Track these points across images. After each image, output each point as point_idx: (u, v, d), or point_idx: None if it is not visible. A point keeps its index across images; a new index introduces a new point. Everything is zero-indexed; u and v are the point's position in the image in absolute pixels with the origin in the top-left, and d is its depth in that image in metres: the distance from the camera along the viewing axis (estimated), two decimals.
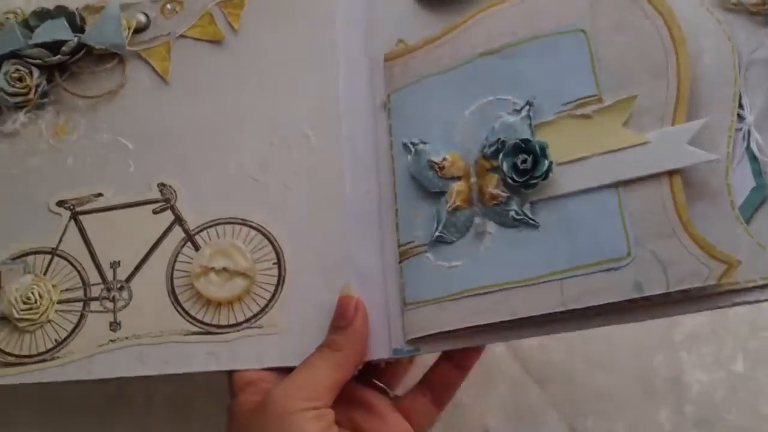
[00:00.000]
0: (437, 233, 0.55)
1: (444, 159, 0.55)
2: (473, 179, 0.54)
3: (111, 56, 0.66)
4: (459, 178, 0.55)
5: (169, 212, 0.61)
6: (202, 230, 0.60)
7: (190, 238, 0.60)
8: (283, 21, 0.65)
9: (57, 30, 0.65)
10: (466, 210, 0.54)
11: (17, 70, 0.65)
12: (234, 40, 0.65)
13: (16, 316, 0.58)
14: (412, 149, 0.57)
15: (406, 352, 0.55)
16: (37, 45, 0.65)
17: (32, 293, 0.59)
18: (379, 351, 0.56)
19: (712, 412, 0.68)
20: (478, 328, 0.52)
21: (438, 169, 0.55)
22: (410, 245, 0.56)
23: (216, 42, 0.65)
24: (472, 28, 0.59)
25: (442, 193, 0.56)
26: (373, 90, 0.62)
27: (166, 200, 0.61)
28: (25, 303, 0.58)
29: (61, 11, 0.66)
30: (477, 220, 0.54)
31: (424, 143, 0.57)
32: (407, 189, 0.57)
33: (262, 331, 0.57)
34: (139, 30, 0.67)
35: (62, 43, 0.65)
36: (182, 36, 0.66)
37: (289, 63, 0.63)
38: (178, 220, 0.60)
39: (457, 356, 0.56)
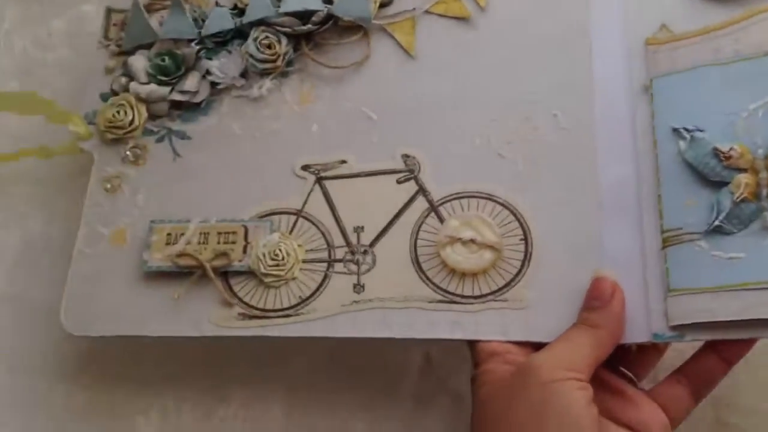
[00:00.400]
0: (717, 222, 0.49)
1: (732, 149, 0.49)
2: (763, 174, 0.47)
3: (356, 28, 0.62)
4: (744, 170, 0.49)
5: (412, 183, 0.57)
6: (445, 202, 0.56)
7: (434, 209, 0.55)
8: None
9: (307, 0, 0.61)
10: (752, 203, 0.48)
11: (267, 37, 0.61)
12: (480, 17, 0.60)
13: (263, 271, 0.54)
14: (687, 136, 0.51)
15: (668, 338, 0.50)
16: (287, 14, 0.61)
17: (280, 250, 0.55)
18: (637, 335, 0.51)
19: None
20: (753, 321, 0.47)
21: (723, 158, 0.49)
22: (678, 232, 0.51)
23: (461, 19, 0.59)
24: (759, 24, 0.53)
25: (723, 183, 0.50)
26: (631, 73, 0.55)
27: (409, 170, 0.57)
28: (272, 259, 0.55)
29: None
30: (767, 214, 0.47)
31: (701, 131, 0.50)
32: (675, 175, 0.52)
33: (508, 304, 0.52)
34: (383, 4, 0.62)
35: (311, 12, 0.61)
36: (427, 12, 0.60)
37: (537, 40, 0.59)
38: (422, 190, 0.56)
39: (725, 348, 0.50)
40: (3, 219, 0.68)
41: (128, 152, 0.62)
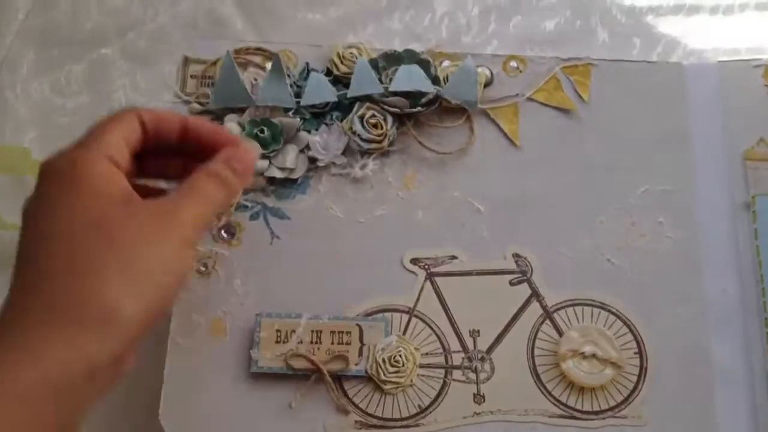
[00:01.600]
0: None
1: None
2: None
3: (459, 111, 0.47)
4: None
5: (525, 285, 0.44)
6: (560, 309, 0.44)
7: (548, 315, 0.43)
8: (633, 96, 0.50)
9: (417, 80, 0.46)
10: None
11: (373, 115, 0.46)
12: (582, 109, 0.46)
13: (383, 378, 0.41)
14: None
15: None
16: (395, 93, 0.45)
17: (400, 356, 0.41)
18: None
19: None
20: None
21: None
22: None
23: (564, 110, 0.46)
24: None
25: None
26: (731, 187, 0.44)
27: (522, 272, 0.44)
28: (392, 365, 0.41)
29: (411, 56, 0.47)
30: None
31: None
32: None
33: (627, 421, 0.42)
34: (486, 84, 0.47)
35: (419, 93, 0.45)
36: (530, 99, 0.46)
37: (640, 142, 0.47)
38: (536, 295, 0.44)
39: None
40: None
41: (223, 231, 0.44)
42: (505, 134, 0.49)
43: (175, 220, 0.35)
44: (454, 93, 0.48)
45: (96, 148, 0.34)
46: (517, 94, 0.49)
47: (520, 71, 0.50)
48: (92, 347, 0.30)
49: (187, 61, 0.50)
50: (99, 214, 0.33)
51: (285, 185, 0.48)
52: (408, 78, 0.47)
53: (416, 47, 0.49)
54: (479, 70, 0.49)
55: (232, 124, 0.47)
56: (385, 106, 0.48)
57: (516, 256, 0.46)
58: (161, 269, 0.33)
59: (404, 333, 0.45)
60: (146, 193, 0.36)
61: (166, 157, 0.39)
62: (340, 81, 0.49)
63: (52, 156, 0.34)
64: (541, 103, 0.49)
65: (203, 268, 0.46)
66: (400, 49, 0.48)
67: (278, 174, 0.47)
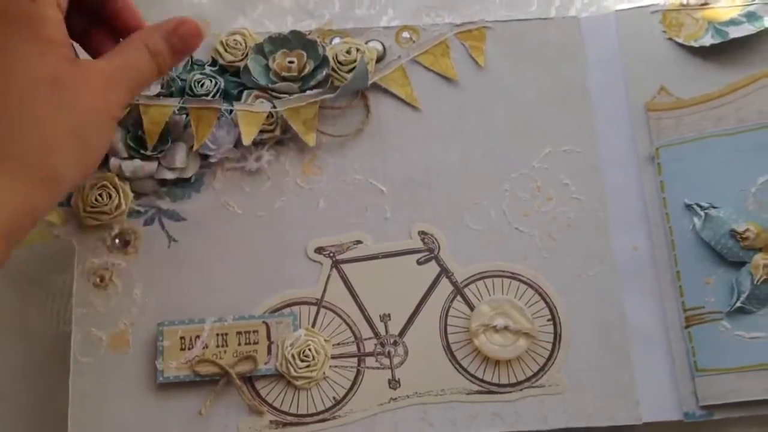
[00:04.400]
0: (738, 304, 0.43)
1: (747, 230, 0.42)
2: None
3: (353, 93, 0.46)
4: (759, 250, 0.40)
5: (433, 263, 0.44)
6: (470, 283, 0.44)
7: (459, 291, 0.43)
8: (531, 56, 0.50)
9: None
10: None
11: (262, 102, 0.44)
12: (478, 77, 0.46)
13: (294, 374, 0.41)
14: (701, 213, 0.42)
15: (699, 417, 0.43)
16: (284, 79, 0.44)
17: (309, 349, 0.41)
18: (669, 413, 0.45)
19: None
20: None
21: (740, 239, 0.40)
22: (700, 311, 0.43)
23: (450, 78, 0.46)
24: (757, 93, 0.43)
25: (742, 263, 0.43)
26: (635, 140, 0.45)
27: (429, 250, 0.44)
28: (302, 360, 0.41)
29: (298, 37, 0.46)
30: None
31: (715, 208, 0.41)
32: (692, 252, 0.44)
33: (544, 390, 0.42)
34: (377, 61, 0.46)
35: (308, 75, 0.45)
36: (414, 61, 0.46)
37: (538, 104, 0.47)
38: (445, 271, 0.44)
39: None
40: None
41: (117, 240, 0.44)
42: (403, 108, 0.48)
43: (115, 91, 0.36)
44: (346, 89, 0.47)
45: None
46: (399, 56, 0.48)
47: (413, 41, 0.50)
48: (39, 201, 0.34)
49: None
50: (54, 72, 0.34)
51: (178, 185, 0.47)
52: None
53: (310, 24, 0.49)
54: (370, 45, 0.49)
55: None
56: (274, 93, 0.47)
57: (422, 233, 0.46)
58: (103, 137, 0.36)
59: (313, 325, 0.45)
60: None
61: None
62: (226, 70, 0.48)
63: None
64: (426, 68, 0.49)
65: (99, 281, 0.45)
66: (291, 28, 0.47)
67: (169, 175, 0.46)
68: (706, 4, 0.48)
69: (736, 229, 0.43)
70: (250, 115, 0.45)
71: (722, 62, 0.48)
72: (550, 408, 0.44)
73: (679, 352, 0.44)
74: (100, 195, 0.45)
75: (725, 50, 0.47)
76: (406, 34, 0.49)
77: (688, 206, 0.45)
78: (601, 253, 0.46)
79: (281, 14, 0.54)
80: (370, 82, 0.47)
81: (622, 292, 0.45)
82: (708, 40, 0.47)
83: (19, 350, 0.48)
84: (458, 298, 0.45)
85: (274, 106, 0.45)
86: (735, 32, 0.47)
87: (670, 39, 0.48)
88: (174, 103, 0.46)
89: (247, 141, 0.44)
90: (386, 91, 0.48)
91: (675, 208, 0.46)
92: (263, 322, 0.44)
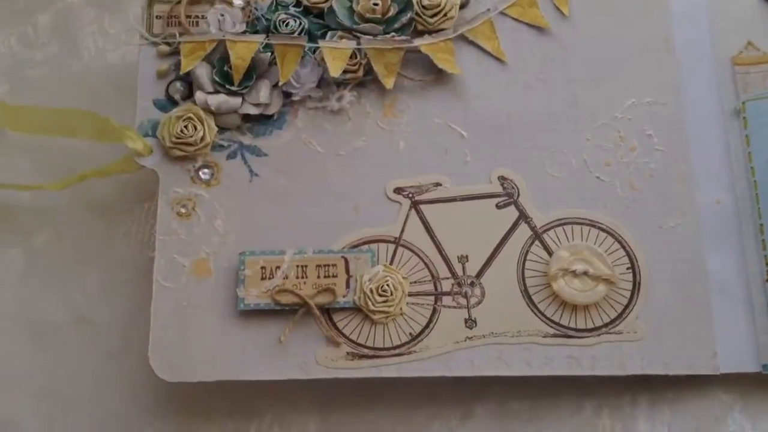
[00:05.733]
0: None
1: None
2: None
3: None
4: None
5: (512, 208, 0.44)
6: (549, 229, 0.44)
7: (538, 236, 0.44)
8: (615, 11, 0.50)
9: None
10: None
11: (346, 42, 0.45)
12: (562, 26, 0.46)
13: (372, 308, 0.42)
14: None
15: None
16: (368, 21, 0.45)
17: (387, 285, 0.42)
18: (748, 365, 0.45)
19: None
20: None
21: None
22: None
23: (540, 28, 0.46)
24: None
25: None
26: (720, 94, 0.45)
27: (508, 195, 0.45)
28: (380, 295, 0.42)
29: None
30: None
31: None
32: None
33: (622, 337, 0.43)
34: (461, 7, 0.47)
35: (392, 18, 0.45)
36: (503, 14, 0.46)
37: (624, 57, 0.48)
38: (524, 216, 0.44)
39: None
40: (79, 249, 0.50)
41: (201, 172, 0.45)
42: (487, 55, 0.49)
43: None
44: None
45: None
46: (488, 9, 0.49)
47: None
48: None
49: (151, 1, 0.50)
50: None
51: (260, 122, 0.48)
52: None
53: None
54: None
55: (201, 63, 0.47)
56: (358, 34, 0.48)
57: (502, 179, 0.47)
58: None
59: (391, 263, 0.46)
60: None
61: None
62: (310, 11, 0.49)
63: None
64: (515, 19, 0.49)
65: (183, 210, 0.46)
66: None
67: (253, 110, 0.47)
68: None
69: None
70: (336, 50, 0.46)
71: None
72: (627, 354, 0.44)
73: (759, 304, 0.44)
74: (186, 127, 0.46)
75: None
76: None
77: None
78: (683, 206, 0.46)
79: None
80: (455, 34, 0.48)
81: (703, 244, 0.45)
82: None
83: (102, 275, 0.49)
84: (537, 243, 0.46)
85: (359, 44, 0.46)
86: None
87: None
88: (260, 39, 0.47)
89: (334, 72, 0.46)
90: (471, 41, 0.48)
91: (760, 162, 0.46)
92: (342, 256, 0.45)
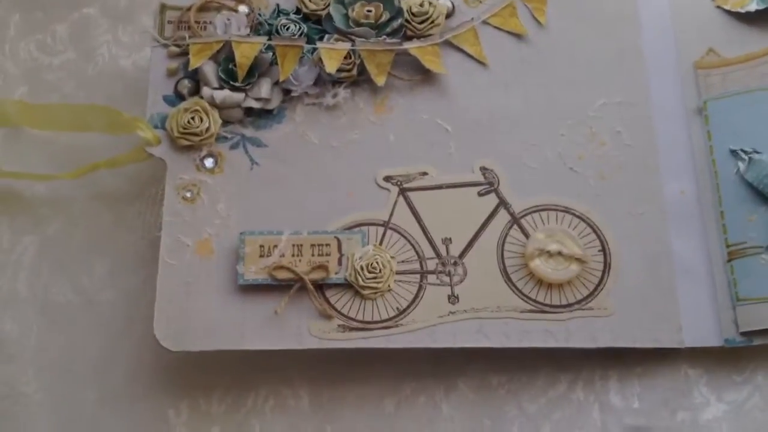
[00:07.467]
0: None
1: None
2: None
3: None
4: None
5: (493, 195, 0.49)
6: (526, 215, 0.49)
7: (516, 221, 0.49)
8: (589, 18, 0.55)
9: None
10: None
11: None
12: (539, 35, 0.52)
13: (362, 284, 0.46)
14: (745, 157, 0.47)
15: (738, 343, 0.47)
16: (362, 25, 0.51)
17: (376, 262, 0.47)
18: (711, 339, 0.49)
19: None
20: None
21: None
22: (742, 246, 0.48)
23: (519, 35, 0.52)
24: None
25: None
26: (684, 95, 0.50)
27: (489, 183, 0.50)
28: (370, 272, 0.46)
29: None
30: None
31: (758, 153, 0.46)
32: (736, 193, 0.49)
33: (593, 313, 0.47)
34: (446, 16, 0.53)
35: (383, 23, 0.51)
36: (485, 23, 0.52)
37: (596, 61, 0.53)
38: (503, 203, 0.49)
39: None
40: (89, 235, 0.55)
41: (205, 160, 0.50)
42: (470, 58, 0.54)
43: None
44: None
45: None
46: (472, 18, 0.55)
47: (480, 2, 0.56)
48: None
49: (163, 8, 0.55)
50: None
51: (262, 116, 0.53)
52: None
53: None
54: (441, 1, 0.55)
55: (207, 61, 0.53)
56: (352, 37, 0.53)
57: (483, 169, 0.52)
58: None
59: (380, 243, 0.50)
60: None
61: None
62: (309, 18, 0.55)
63: None
64: (496, 27, 0.55)
65: (188, 195, 0.51)
66: None
67: (255, 105, 0.53)
68: None
69: None
70: (332, 51, 0.52)
71: (766, 27, 0.53)
72: (598, 329, 0.48)
73: (721, 283, 0.49)
74: (192, 118, 0.51)
75: None
76: None
77: (733, 152, 0.50)
78: (650, 195, 0.51)
79: None
80: (441, 38, 0.54)
81: (668, 229, 0.50)
82: (753, 7, 0.53)
83: (109, 262, 0.54)
84: (515, 227, 0.51)
85: (354, 45, 0.52)
86: None
87: (718, 7, 0.54)
88: (263, 40, 0.52)
89: (330, 69, 0.51)
90: (456, 46, 0.54)
91: (720, 154, 0.51)
92: (335, 237, 0.50)
